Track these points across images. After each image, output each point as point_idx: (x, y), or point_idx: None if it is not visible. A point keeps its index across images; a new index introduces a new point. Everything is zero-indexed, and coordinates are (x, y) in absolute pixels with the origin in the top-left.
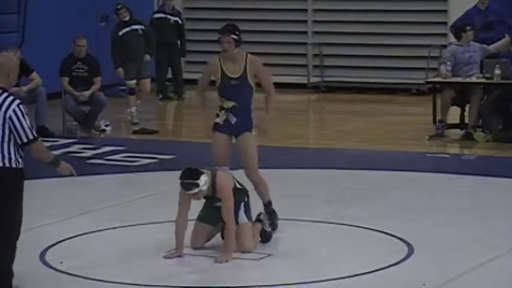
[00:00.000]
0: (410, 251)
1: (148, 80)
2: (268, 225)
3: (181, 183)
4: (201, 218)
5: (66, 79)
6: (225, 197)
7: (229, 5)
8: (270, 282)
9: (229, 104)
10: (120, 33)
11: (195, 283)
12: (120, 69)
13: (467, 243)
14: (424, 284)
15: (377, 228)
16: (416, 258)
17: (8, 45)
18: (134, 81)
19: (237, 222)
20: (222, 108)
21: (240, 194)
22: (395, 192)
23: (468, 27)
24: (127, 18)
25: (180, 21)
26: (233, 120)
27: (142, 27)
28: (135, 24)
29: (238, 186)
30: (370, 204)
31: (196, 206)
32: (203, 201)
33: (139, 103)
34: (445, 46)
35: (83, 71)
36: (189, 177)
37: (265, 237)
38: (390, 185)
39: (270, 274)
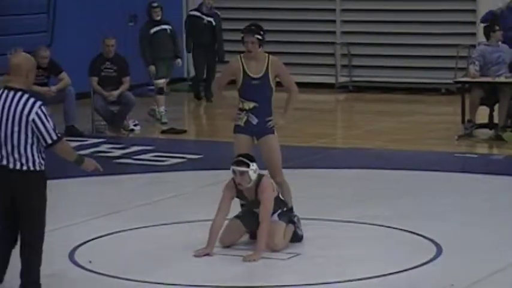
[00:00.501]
0: (439, 251)
1: (167, 80)
2: (300, 228)
3: (234, 162)
4: (238, 217)
5: (95, 79)
6: (265, 198)
7: (259, 5)
8: (297, 281)
9: (250, 105)
10: (152, 31)
11: (222, 282)
12: (152, 67)
13: (495, 244)
14: (452, 284)
15: (405, 228)
16: (445, 258)
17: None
18: (163, 81)
19: None
20: (242, 109)
21: (280, 204)
22: (424, 192)
23: (497, 27)
24: (159, 18)
25: (213, 22)
26: (254, 121)
27: (170, 27)
28: (164, 24)
29: (281, 197)
30: (398, 204)
31: (235, 210)
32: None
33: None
34: (473, 46)
35: (111, 70)
36: (244, 157)
37: (297, 239)
38: (419, 185)
39: (297, 273)
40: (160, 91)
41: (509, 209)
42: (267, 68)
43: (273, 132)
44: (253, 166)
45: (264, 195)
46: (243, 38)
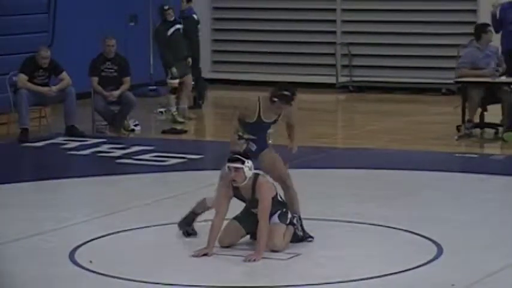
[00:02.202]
0: (439, 251)
1: (190, 75)
2: (300, 229)
3: (228, 159)
4: (237, 218)
5: (95, 79)
6: (263, 197)
7: (258, 5)
8: (297, 281)
9: (250, 136)
10: (169, 32)
11: (222, 282)
12: (174, 69)
13: (496, 244)
14: (453, 284)
15: (405, 229)
16: (445, 258)
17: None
18: (177, 81)
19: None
20: (241, 137)
21: (279, 205)
22: (424, 192)
23: (489, 28)
24: (172, 18)
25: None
26: (253, 147)
27: (182, 26)
28: (177, 23)
29: (279, 199)
30: (398, 204)
31: (234, 210)
32: (242, 205)
33: (185, 98)
34: None
35: (112, 70)
36: (239, 154)
37: (296, 240)
38: (419, 185)
39: (297, 274)
40: (174, 91)
41: (509, 209)
42: (280, 115)
43: (268, 147)
44: (248, 163)
45: (262, 193)
46: (275, 102)
